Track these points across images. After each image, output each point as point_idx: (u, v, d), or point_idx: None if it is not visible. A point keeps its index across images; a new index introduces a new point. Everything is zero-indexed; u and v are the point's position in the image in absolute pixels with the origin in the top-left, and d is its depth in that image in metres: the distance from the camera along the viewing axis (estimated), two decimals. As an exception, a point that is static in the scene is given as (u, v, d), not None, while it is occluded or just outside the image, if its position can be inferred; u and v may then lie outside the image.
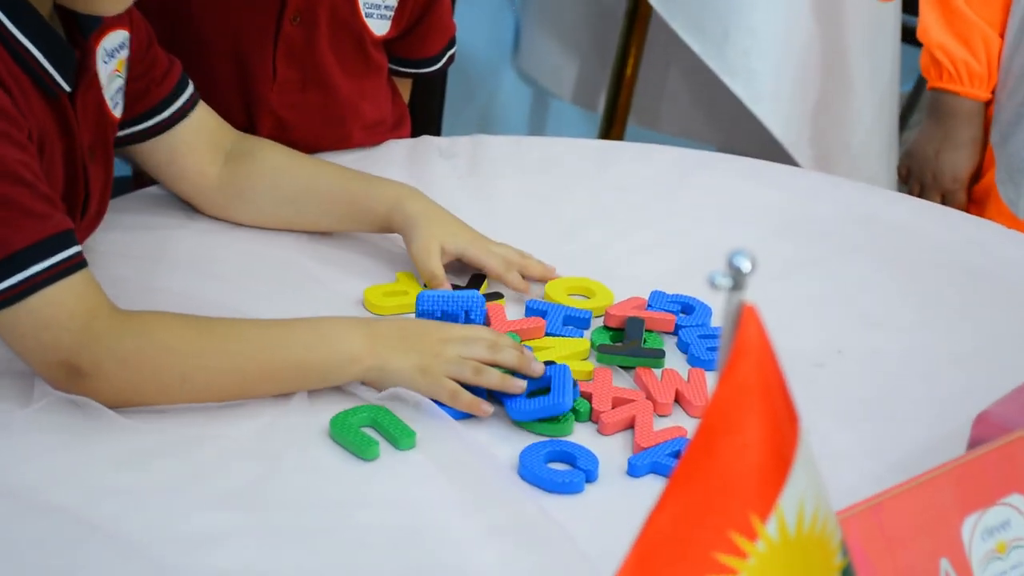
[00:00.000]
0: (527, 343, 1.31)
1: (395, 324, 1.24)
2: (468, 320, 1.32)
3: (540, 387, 1.23)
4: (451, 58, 1.77)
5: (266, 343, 1.19)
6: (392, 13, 1.64)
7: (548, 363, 1.25)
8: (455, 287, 1.39)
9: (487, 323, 1.34)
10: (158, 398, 1.16)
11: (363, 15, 1.62)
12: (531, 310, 1.36)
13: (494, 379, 1.21)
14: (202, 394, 1.17)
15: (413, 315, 1.32)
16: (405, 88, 1.80)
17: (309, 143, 1.59)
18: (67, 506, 1.07)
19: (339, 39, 1.62)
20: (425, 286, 1.38)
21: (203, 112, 1.44)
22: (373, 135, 1.70)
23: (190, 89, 1.43)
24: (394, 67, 1.72)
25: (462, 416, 1.22)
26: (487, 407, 1.21)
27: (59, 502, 1.08)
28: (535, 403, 1.21)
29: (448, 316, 1.31)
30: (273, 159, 1.46)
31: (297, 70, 1.60)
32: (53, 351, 1.14)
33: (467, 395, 1.21)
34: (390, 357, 1.20)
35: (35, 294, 1.13)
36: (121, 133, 1.39)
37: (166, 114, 1.41)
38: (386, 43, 1.68)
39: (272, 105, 1.60)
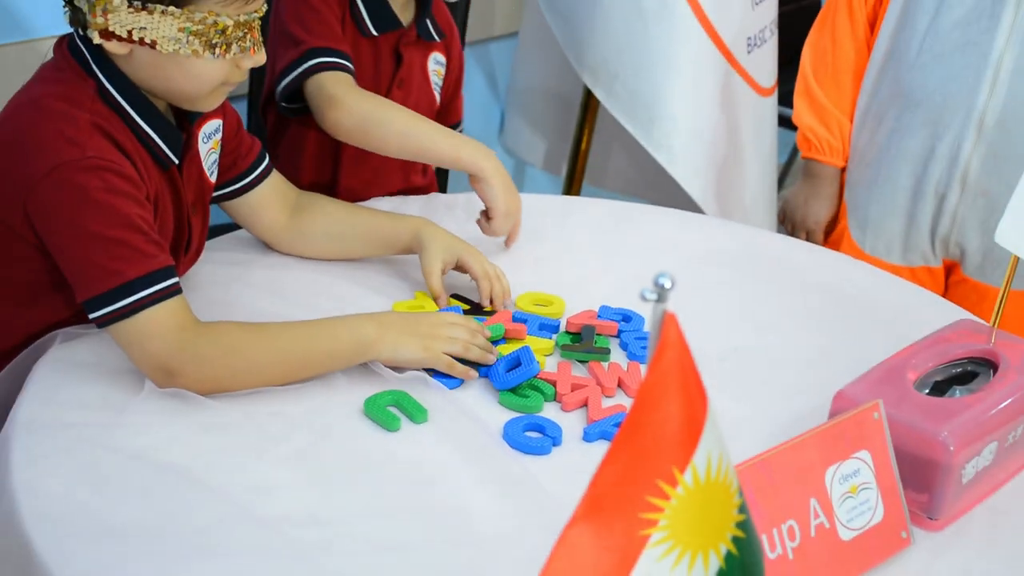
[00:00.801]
0: (512, 340, 1.30)
1: (398, 315, 1.24)
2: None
3: (513, 364, 1.22)
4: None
5: (303, 337, 1.18)
6: (440, 90, 1.69)
7: (521, 348, 1.26)
8: (455, 297, 1.37)
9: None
10: (231, 385, 1.15)
11: (432, 87, 1.65)
12: (516, 318, 1.35)
13: (476, 353, 1.22)
14: (263, 379, 1.16)
15: None
16: None
17: (386, 174, 1.62)
18: (174, 463, 1.06)
19: (420, 104, 1.65)
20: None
21: (276, 178, 1.43)
22: (423, 179, 1.72)
23: (267, 161, 1.42)
24: None
25: (457, 384, 1.22)
26: (473, 373, 1.22)
27: (168, 460, 1.07)
28: (512, 374, 1.21)
29: None
30: (324, 208, 1.45)
31: None
32: (152, 357, 1.13)
33: (459, 365, 1.21)
34: (397, 340, 1.20)
35: (140, 313, 1.13)
36: (217, 193, 1.38)
37: (248, 179, 1.40)
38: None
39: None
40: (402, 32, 1.61)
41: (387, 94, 1.61)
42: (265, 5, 1.21)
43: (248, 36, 1.18)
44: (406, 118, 1.48)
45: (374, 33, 1.59)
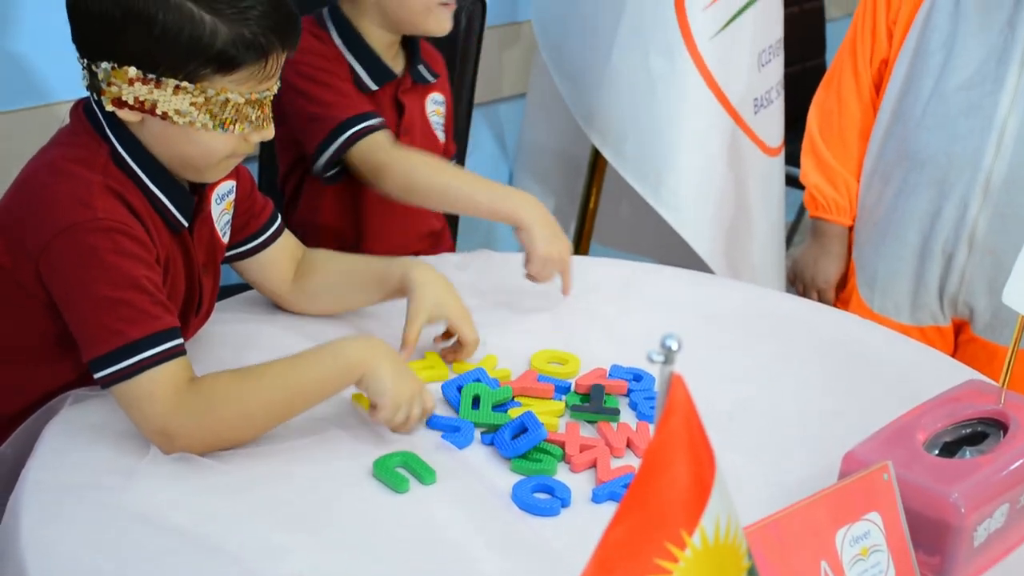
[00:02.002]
0: (527, 400, 1.31)
1: (384, 345, 1.21)
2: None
3: (519, 431, 1.22)
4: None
5: (289, 372, 1.17)
6: (443, 127, 1.72)
7: (525, 413, 1.25)
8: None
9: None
10: (231, 438, 1.15)
11: (433, 129, 1.68)
12: (541, 378, 1.36)
13: (405, 430, 1.21)
14: (261, 423, 1.16)
15: (442, 383, 1.32)
16: None
17: (405, 222, 1.65)
18: (183, 527, 1.06)
19: (424, 148, 1.66)
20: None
21: (286, 237, 1.44)
22: (435, 223, 1.74)
23: (278, 222, 1.43)
24: None
25: (467, 443, 1.21)
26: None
27: (177, 524, 1.07)
28: (519, 441, 1.20)
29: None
30: (321, 263, 1.44)
31: None
32: (151, 419, 1.13)
33: (383, 420, 1.19)
34: (380, 366, 1.18)
35: (142, 374, 1.13)
36: (228, 253, 1.40)
37: (260, 240, 1.41)
38: None
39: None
40: (398, 81, 1.63)
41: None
42: (279, 84, 1.22)
43: (259, 112, 1.20)
44: (446, 174, 1.52)
45: (373, 88, 1.61)
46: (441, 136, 1.73)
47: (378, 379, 1.18)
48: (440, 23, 1.58)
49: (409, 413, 1.20)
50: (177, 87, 1.15)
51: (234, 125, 1.18)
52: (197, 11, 1.13)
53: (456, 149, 1.82)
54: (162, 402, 1.13)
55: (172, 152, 1.20)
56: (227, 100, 1.16)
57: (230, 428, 1.15)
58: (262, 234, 1.41)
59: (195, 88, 1.15)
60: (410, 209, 1.63)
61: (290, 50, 1.20)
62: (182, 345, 1.16)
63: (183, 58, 1.14)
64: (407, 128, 1.66)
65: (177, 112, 1.16)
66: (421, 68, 1.67)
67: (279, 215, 1.44)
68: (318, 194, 1.66)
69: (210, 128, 1.17)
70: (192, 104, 1.16)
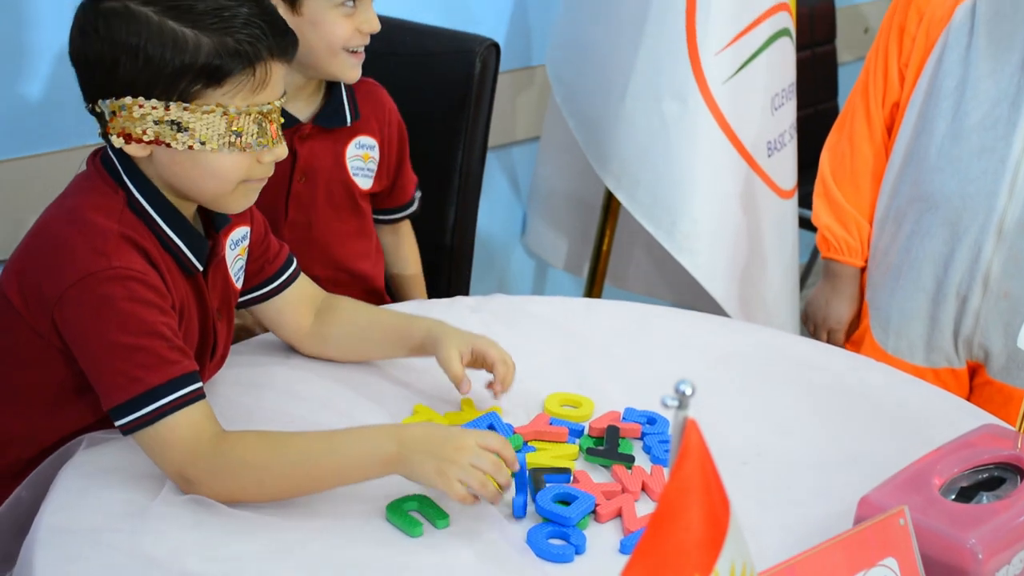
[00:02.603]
0: (541, 444, 1.30)
1: (421, 430, 1.17)
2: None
3: (564, 499, 1.20)
4: (419, 200, 1.81)
5: (319, 452, 1.16)
6: (373, 173, 1.70)
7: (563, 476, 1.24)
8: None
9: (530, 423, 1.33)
10: (242, 498, 1.15)
11: (351, 175, 1.66)
12: (554, 422, 1.35)
13: (490, 495, 1.14)
14: (275, 494, 1.16)
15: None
16: (408, 232, 1.83)
17: (312, 271, 1.57)
18: (196, 570, 1.06)
19: (333, 192, 1.66)
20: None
21: (303, 282, 1.44)
22: (356, 270, 1.71)
23: (293, 266, 1.43)
24: (391, 216, 1.77)
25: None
26: (497, 500, 1.15)
27: (190, 568, 1.07)
28: (573, 509, 1.17)
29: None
30: (344, 310, 1.44)
31: (303, 214, 1.65)
32: (171, 464, 1.14)
33: (472, 499, 1.14)
34: (413, 461, 1.14)
35: (161, 420, 1.14)
36: (244, 298, 1.40)
37: (275, 284, 1.41)
38: (374, 197, 1.72)
39: (287, 241, 1.57)
40: (298, 128, 1.60)
41: (289, 189, 1.62)
42: (284, 96, 1.22)
43: (265, 128, 1.19)
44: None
45: None
46: (364, 183, 1.69)
47: (421, 476, 1.14)
48: (345, 69, 1.57)
49: (483, 486, 1.13)
50: (174, 108, 1.15)
51: (239, 143, 1.18)
52: (179, 28, 1.14)
53: (416, 182, 1.78)
54: (181, 449, 1.13)
55: (185, 184, 1.20)
56: (225, 116, 1.16)
57: (245, 491, 1.15)
58: (277, 278, 1.42)
59: (192, 107, 1.16)
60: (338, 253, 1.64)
61: (282, 57, 1.19)
62: (201, 389, 1.17)
63: (172, 77, 1.15)
64: (305, 173, 1.63)
65: (179, 136, 1.16)
66: (344, 109, 1.63)
67: (294, 259, 1.44)
68: None
69: (215, 149, 1.17)
70: (191, 124, 1.16)
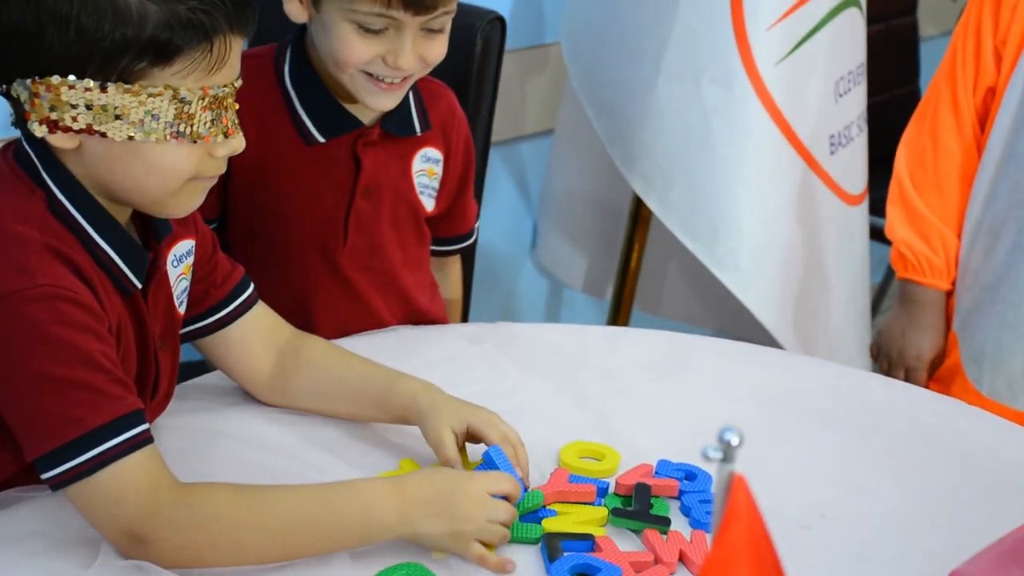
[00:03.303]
0: (563, 507, 1.31)
1: (425, 486, 1.20)
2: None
3: (584, 571, 1.21)
4: (478, 231, 1.83)
5: (304, 512, 1.17)
6: (436, 193, 1.71)
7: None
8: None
9: (548, 481, 1.34)
10: (213, 562, 1.15)
11: (417, 193, 1.67)
12: (574, 479, 1.35)
13: (502, 537, 1.21)
14: (251, 558, 1.16)
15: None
16: (455, 268, 1.85)
17: (368, 308, 1.64)
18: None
19: (398, 213, 1.67)
20: None
21: (259, 312, 1.44)
22: (417, 302, 1.72)
23: (248, 292, 1.43)
24: (443, 248, 1.78)
25: None
26: (511, 567, 1.20)
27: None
28: None
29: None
30: (313, 358, 1.44)
31: (365, 238, 1.64)
32: (120, 520, 1.14)
33: (494, 558, 1.19)
34: (421, 523, 1.18)
35: (106, 468, 1.13)
36: (187, 328, 1.40)
37: (223, 313, 1.41)
38: (431, 224, 1.73)
39: (344, 269, 1.62)
40: (362, 132, 1.61)
41: (350, 206, 1.63)
42: (240, 80, 1.23)
43: (219, 116, 1.19)
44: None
45: (320, 140, 1.60)
46: (428, 204, 1.70)
47: (430, 540, 1.20)
48: (361, 93, 1.55)
49: (503, 540, 1.21)
50: (112, 89, 1.15)
51: (190, 133, 1.18)
52: None
53: (477, 211, 1.80)
54: (135, 503, 1.13)
55: (122, 182, 1.20)
56: (174, 100, 1.16)
57: (215, 553, 1.15)
58: (227, 305, 1.41)
59: (135, 89, 1.15)
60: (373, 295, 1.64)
61: (243, 31, 1.19)
62: (149, 431, 1.17)
63: (111, 53, 1.14)
64: (370, 188, 1.63)
65: (117, 123, 1.16)
66: (411, 116, 1.65)
67: (250, 283, 1.44)
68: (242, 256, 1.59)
69: (161, 139, 1.17)
70: (132, 110, 1.16)
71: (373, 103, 1.56)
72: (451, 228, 1.77)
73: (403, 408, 1.39)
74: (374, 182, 1.63)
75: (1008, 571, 1.10)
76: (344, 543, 1.18)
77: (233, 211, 1.62)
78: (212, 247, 1.41)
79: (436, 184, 1.71)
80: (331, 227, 1.64)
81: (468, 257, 2.05)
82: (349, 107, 1.60)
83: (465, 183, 1.76)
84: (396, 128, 1.63)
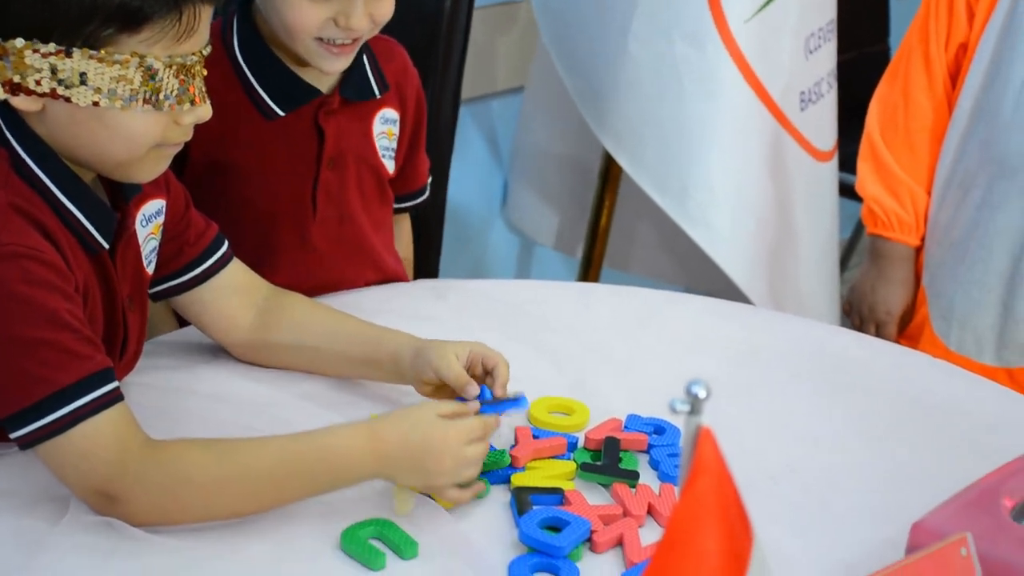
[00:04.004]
0: (533, 464, 1.31)
1: (401, 441, 1.20)
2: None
3: (553, 524, 1.21)
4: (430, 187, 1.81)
5: (277, 469, 1.17)
6: (394, 153, 1.69)
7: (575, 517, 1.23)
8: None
9: (516, 442, 1.34)
10: (183, 519, 1.15)
11: (380, 156, 1.66)
12: (539, 433, 1.36)
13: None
14: (222, 514, 1.16)
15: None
16: (406, 226, 1.83)
17: (340, 275, 1.63)
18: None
19: (363, 179, 1.65)
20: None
21: (235, 269, 1.43)
22: (386, 265, 1.72)
23: (223, 249, 1.42)
24: (396, 206, 1.75)
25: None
26: (480, 486, 1.24)
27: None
28: (564, 537, 1.18)
29: None
30: (296, 314, 1.44)
31: (334, 208, 1.63)
32: (90, 479, 1.14)
33: (468, 494, 1.22)
34: (396, 476, 1.20)
35: (76, 427, 1.13)
36: (162, 286, 1.40)
37: (198, 271, 1.41)
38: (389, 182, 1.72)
39: (314, 240, 1.61)
40: (322, 101, 1.59)
41: (317, 178, 1.61)
42: (209, 47, 1.22)
43: (187, 84, 1.19)
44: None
45: (280, 114, 1.58)
46: (390, 166, 1.69)
47: (409, 484, 1.21)
48: (314, 58, 1.52)
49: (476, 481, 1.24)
50: (77, 55, 1.14)
51: (156, 100, 1.17)
52: None
53: (425, 183, 1.79)
54: (106, 461, 1.13)
55: (86, 147, 1.19)
56: (141, 67, 1.16)
57: (185, 511, 1.15)
58: (202, 262, 1.41)
59: (101, 55, 1.15)
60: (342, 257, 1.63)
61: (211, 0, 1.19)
62: (119, 389, 1.17)
63: (78, 19, 1.14)
64: (335, 159, 1.61)
65: (80, 89, 1.15)
66: (368, 79, 1.62)
67: (225, 240, 1.43)
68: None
69: (126, 106, 1.16)
70: (98, 76, 1.15)
71: (327, 67, 1.54)
72: (404, 186, 1.75)
73: (396, 357, 1.38)
74: (338, 151, 1.61)
75: (971, 520, 1.11)
76: (315, 493, 1.19)
77: (196, 193, 1.58)
78: (185, 204, 1.40)
79: (395, 145, 1.69)
80: (299, 201, 1.61)
81: (438, 214, 2.05)
82: (305, 77, 1.57)
83: (417, 139, 1.73)
84: (355, 93, 1.61)
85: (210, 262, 1.41)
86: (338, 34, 1.51)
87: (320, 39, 1.51)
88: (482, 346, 1.37)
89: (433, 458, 1.20)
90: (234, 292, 1.43)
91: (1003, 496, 1.16)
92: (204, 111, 1.22)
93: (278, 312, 1.44)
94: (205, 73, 1.22)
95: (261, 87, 1.57)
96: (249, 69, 1.57)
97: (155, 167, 1.24)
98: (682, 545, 0.67)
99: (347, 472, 1.19)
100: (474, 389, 1.34)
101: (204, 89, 1.22)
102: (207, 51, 1.21)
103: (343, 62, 1.54)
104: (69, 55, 1.14)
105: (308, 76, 1.58)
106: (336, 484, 1.20)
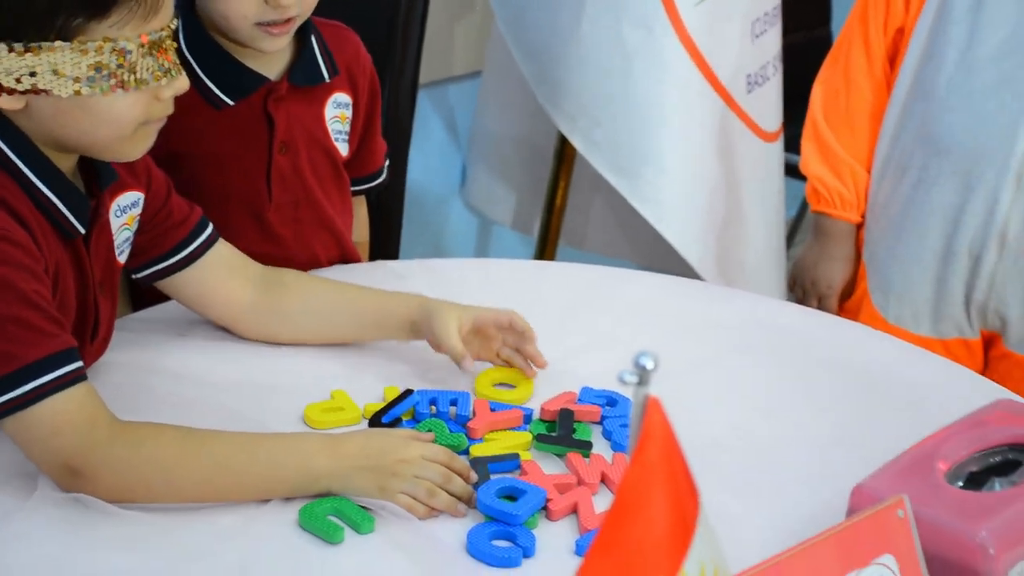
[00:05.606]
0: (491, 436, 1.31)
1: (358, 443, 1.21)
2: (456, 410, 1.34)
3: (510, 493, 1.22)
4: (388, 170, 1.80)
5: (242, 460, 1.18)
6: (347, 136, 1.68)
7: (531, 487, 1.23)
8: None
9: (473, 414, 1.34)
10: (146, 499, 1.16)
11: (333, 140, 1.65)
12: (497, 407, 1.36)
13: (443, 502, 1.19)
14: (185, 498, 1.17)
15: (357, 426, 1.32)
16: (362, 209, 1.82)
17: (306, 257, 1.62)
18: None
19: (317, 163, 1.64)
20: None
21: (224, 248, 1.43)
22: (347, 245, 1.71)
23: (209, 230, 1.42)
24: (352, 188, 1.74)
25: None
26: (436, 513, 1.19)
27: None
28: (520, 505, 1.19)
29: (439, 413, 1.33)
30: (302, 282, 1.46)
31: (289, 193, 1.62)
32: (56, 455, 1.14)
33: (423, 508, 1.18)
34: (351, 477, 1.19)
35: (41, 402, 1.13)
36: (149, 270, 1.40)
37: (186, 251, 1.40)
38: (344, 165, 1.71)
39: (272, 225, 1.60)
40: (270, 88, 1.58)
41: (270, 164, 1.60)
42: (176, 20, 1.21)
43: (161, 60, 1.19)
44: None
45: (229, 103, 1.57)
46: (343, 148, 1.68)
47: (359, 491, 1.19)
48: (255, 42, 1.52)
49: (432, 495, 1.19)
50: (51, 48, 1.14)
51: (134, 81, 1.17)
52: None
53: (382, 164, 1.78)
54: (70, 435, 1.13)
55: (73, 135, 1.19)
56: (114, 51, 1.15)
57: (149, 491, 1.15)
58: (190, 243, 1.41)
59: (74, 45, 1.14)
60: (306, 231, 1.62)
61: None
62: (83, 368, 1.16)
63: (47, 12, 1.13)
64: (286, 143, 1.60)
65: (60, 81, 1.15)
66: (318, 63, 1.61)
67: (209, 223, 1.43)
68: None
69: (107, 91, 1.16)
70: (75, 66, 1.15)
71: (267, 46, 1.53)
72: (359, 169, 1.74)
73: (406, 317, 1.41)
74: (289, 136, 1.60)
75: (908, 483, 1.12)
76: (276, 491, 1.19)
77: None
78: (167, 191, 1.40)
79: (348, 128, 1.68)
80: (254, 187, 1.60)
81: (398, 197, 2.04)
82: (252, 64, 1.56)
83: (371, 123, 1.72)
84: (304, 78, 1.60)
85: (198, 242, 1.41)
86: (273, 15, 1.50)
87: (259, 23, 1.51)
88: (491, 311, 1.39)
89: (390, 456, 1.20)
90: (228, 269, 1.43)
91: (938, 460, 1.17)
92: (181, 82, 1.22)
93: (279, 284, 1.44)
94: (175, 45, 1.22)
95: (208, 78, 1.56)
96: (195, 61, 1.55)
97: (142, 144, 1.24)
98: (631, 510, 0.68)
99: (306, 469, 1.18)
100: (469, 364, 1.36)
101: (178, 61, 1.22)
102: (175, 24, 1.21)
103: (282, 41, 1.54)
104: (43, 50, 1.14)
105: (255, 64, 1.57)
106: (296, 481, 1.18)
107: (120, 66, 1.16)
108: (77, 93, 1.15)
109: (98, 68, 1.15)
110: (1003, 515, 1.11)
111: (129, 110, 1.18)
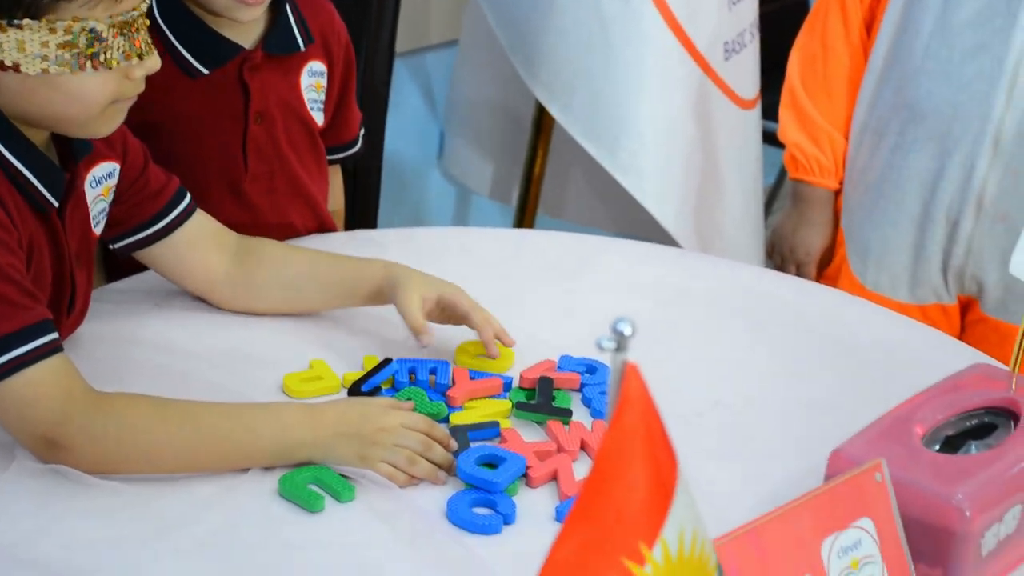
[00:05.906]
0: (471, 404, 1.31)
1: (338, 412, 1.22)
2: (435, 378, 1.34)
3: (490, 461, 1.22)
4: (364, 139, 1.78)
5: (219, 428, 1.18)
6: (323, 105, 1.67)
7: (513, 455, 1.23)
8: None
9: (452, 382, 1.34)
10: (124, 470, 1.15)
11: (308, 109, 1.64)
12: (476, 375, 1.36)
13: (424, 470, 1.19)
14: (163, 468, 1.17)
15: (337, 395, 1.32)
16: (337, 178, 1.81)
17: (283, 227, 1.61)
18: (45, 560, 1.05)
19: (293, 132, 1.63)
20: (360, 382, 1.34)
21: (201, 218, 1.43)
22: (324, 214, 1.70)
23: (187, 201, 1.41)
24: (328, 157, 1.73)
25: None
26: (416, 481, 1.20)
27: (36, 556, 1.05)
28: (499, 473, 1.19)
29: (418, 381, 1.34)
30: (274, 252, 1.46)
31: (265, 163, 1.61)
32: (33, 425, 1.14)
33: (403, 476, 1.19)
34: (331, 446, 1.19)
35: (16, 374, 1.13)
36: (126, 241, 1.39)
37: (164, 222, 1.40)
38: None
39: (249, 195, 1.59)
40: (245, 56, 1.56)
41: (245, 134, 1.58)
42: (146, 2, 1.20)
43: (132, 40, 1.18)
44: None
45: (204, 72, 1.55)
46: (319, 118, 1.66)
47: (339, 460, 1.19)
48: (229, 10, 1.50)
49: (412, 463, 1.19)
50: (19, 25, 1.13)
51: (104, 61, 1.16)
52: None
53: (356, 134, 1.76)
54: (47, 407, 1.13)
55: (42, 113, 1.19)
56: (84, 31, 1.14)
57: (127, 462, 1.15)
58: (167, 214, 1.40)
59: (43, 24, 1.13)
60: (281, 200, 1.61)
61: None
62: (59, 340, 1.16)
63: None
64: (262, 114, 1.59)
65: (29, 58, 1.14)
66: (292, 32, 1.59)
67: (187, 193, 1.42)
68: None
69: (75, 71, 1.15)
70: (44, 44, 1.14)
71: (242, 16, 1.51)
72: (335, 138, 1.72)
73: (376, 285, 1.40)
74: (264, 106, 1.59)
75: (885, 447, 1.13)
76: (256, 460, 1.19)
77: None
78: (144, 160, 1.39)
79: (323, 97, 1.67)
80: (230, 157, 1.59)
81: (376, 167, 2.03)
82: (227, 33, 1.55)
83: (346, 91, 1.71)
84: (278, 47, 1.59)
85: (175, 213, 1.40)
86: None
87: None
88: (455, 292, 1.38)
89: (370, 425, 1.20)
90: (205, 240, 1.42)
91: (915, 424, 1.18)
92: (153, 62, 1.21)
93: (252, 254, 1.44)
94: (148, 23, 1.21)
95: (183, 47, 1.54)
96: (169, 30, 1.53)
97: (112, 122, 1.23)
98: (610, 476, 0.68)
99: (286, 438, 1.18)
100: (428, 339, 1.35)
101: (150, 40, 1.21)
102: (145, 6, 1.20)
103: (257, 11, 1.52)
104: (12, 27, 1.13)
105: (229, 32, 1.55)
106: (275, 451, 1.18)
107: (90, 46, 1.15)
108: (45, 71, 1.15)
109: (67, 48, 1.14)
110: (979, 478, 1.11)
111: (99, 89, 1.18)
